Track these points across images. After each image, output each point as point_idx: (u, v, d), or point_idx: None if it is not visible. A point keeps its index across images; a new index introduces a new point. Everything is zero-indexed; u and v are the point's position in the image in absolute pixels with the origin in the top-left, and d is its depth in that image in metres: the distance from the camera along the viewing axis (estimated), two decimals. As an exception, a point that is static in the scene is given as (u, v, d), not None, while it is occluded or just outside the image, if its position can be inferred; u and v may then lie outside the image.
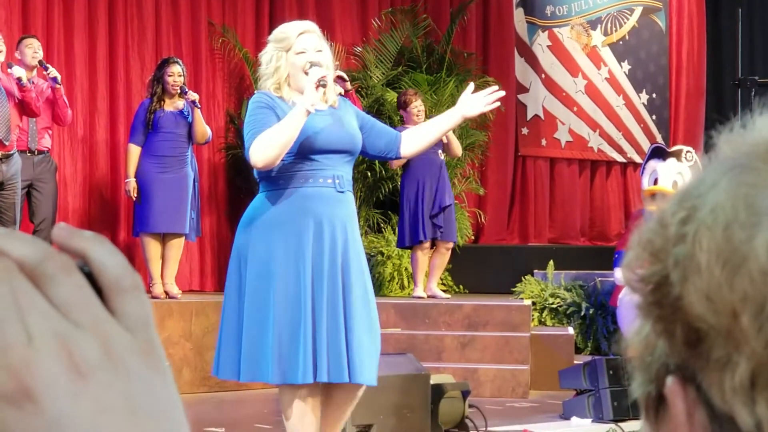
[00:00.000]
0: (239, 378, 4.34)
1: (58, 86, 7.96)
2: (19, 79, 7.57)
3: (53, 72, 7.93)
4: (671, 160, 7.10)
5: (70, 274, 0.52)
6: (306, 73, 4.38)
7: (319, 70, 4.35)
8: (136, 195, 8.35)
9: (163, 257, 8.44)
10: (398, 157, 4.69)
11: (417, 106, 9.15)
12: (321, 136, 4.39)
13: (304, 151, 4.36)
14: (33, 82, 7.92)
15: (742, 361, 0.59)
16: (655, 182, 7.09)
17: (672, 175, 7.02)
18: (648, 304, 0.63)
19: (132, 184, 8.35)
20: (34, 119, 7.91)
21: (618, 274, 7.39)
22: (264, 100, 4.41)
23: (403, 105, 9.22)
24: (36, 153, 8.01)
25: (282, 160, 4.31)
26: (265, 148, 4.23)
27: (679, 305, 0.61)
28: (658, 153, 7.24)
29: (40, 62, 7.93)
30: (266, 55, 4.51)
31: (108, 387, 0.51)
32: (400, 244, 9.27)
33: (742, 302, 0.59)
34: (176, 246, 8.45)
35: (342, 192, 4.40)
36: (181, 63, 8.54)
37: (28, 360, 0.50)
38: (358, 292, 4.33)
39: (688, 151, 7.17)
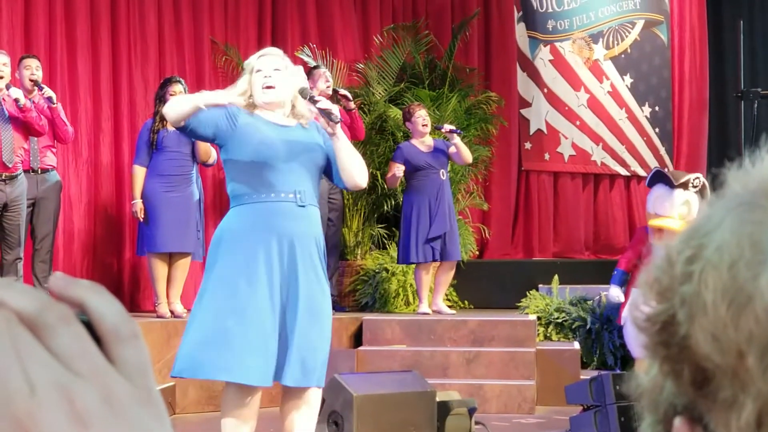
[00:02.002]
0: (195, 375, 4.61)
1: (54, 105, 7.97)
2: (16, 101, 7.60)
3: (48, 92, 7.95)
4: (678, 191, 7.09)
5: (69, 323, 0.52)
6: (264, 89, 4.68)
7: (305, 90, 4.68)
8: (143, 216, 8.36)
9: (169, 277, 8.44)
10: (345, 187, 4.78)
11: (421, 115, 9.18)
12: (276, 147, 4.57)
13: (262, 163, 4.55)
14: (34, 102, 7.93)
15: (748, 401, 0.58)
16: (660, 214, 7.09)
17: (677, 206, 7.01)
18: (655, 344, 0.63)
19: (138, 205, 8.36)
20: (36, 138, 7.93)
21: (613, 292, 7.35)
22: (233, 110, 4.66)
23: (407, 116, 9.27)
24: (39, 172, 8.02)
25: (245, 174, 4.56)
26: (180, 104, 4.59)
27: (685, 345, 0.61)
28: (665, 179, 7.22)
29: (35, 83, 7.95)
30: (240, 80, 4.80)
31: None
32: (399, 261, 9.33)
33: (748, 342, 0.58)
34: (183, 266, 8.45)
35: (303, 206, 4.55)
36: (183, 82, 8.56)
37: (31, 410, 0.50)
38: (303, 305, 4.52)
39: (695, 178, 7.15)
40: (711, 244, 0.61)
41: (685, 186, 7.12)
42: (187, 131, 4.65)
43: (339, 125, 4.58)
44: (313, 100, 4.62)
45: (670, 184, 7.14)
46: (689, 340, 0.61)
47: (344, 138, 4.63)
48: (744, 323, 0.58)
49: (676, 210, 6.97)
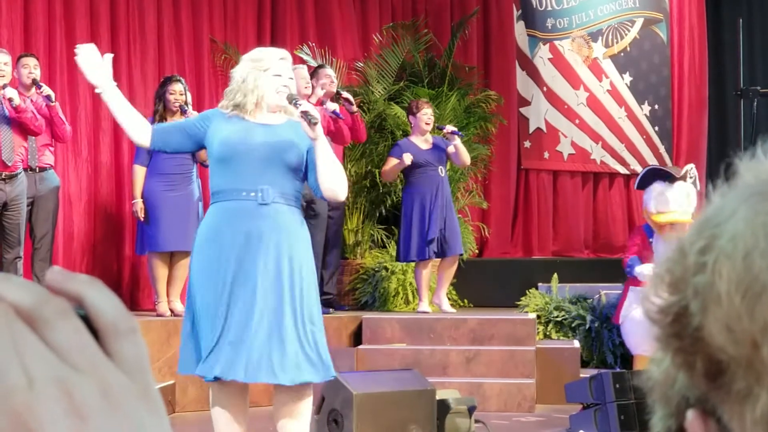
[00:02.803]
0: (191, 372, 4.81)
1: (52, 104, 7.96)
2: (10, 101, 7.59)
3: (46, 90, 7.94)
4: (679, 183, 7.10)
5: (66, 317, 0.52)
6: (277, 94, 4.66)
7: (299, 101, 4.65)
8: (143, 215, 8.35)
9: (170, 276, 8.43)
10: (321, 197, 4.75)
11: (427, 113, 9.18)
12: (236, 147, 4.58)
13: (224, 163, 4.59)
14: (32, 100, 7.93)
15: (763, 393, 0.57)
16: (664, 209, 7.09)
17: (681, 199, 7.01)
18: (667, 336, 0.62)
19: (139, 204, 8.36)
20: (34, 137, 7.92)
21: (644, 269, 7.41)
22: (208, 113, 4.78)
23: (413, 110, 9.25)
24: (37, 170, 8.01)
25: (214, 174, 4.64)
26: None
27: (699, 336, 0.60)
28: (662, 176, 7.21)
29: (33, 81, 7.94)
30: (241, 72, 4.69)
31: (108, 429, 0.51)
32: (398, 259, 9.33)
33: (763, 333, 0.57)
34: (184, 265, 8.43)
35: (265, 204, 4.54)
36: (183, 81, 8.55)
37: (29, 404, 0.50)
38: (265, 304, 4.50)
39: (690, 169, 7.18)
40: (724, 235, 0.60)
41: (684, 178, 7.14)
42: (163, 149, 4.77)
43: (320, 128, 4.54)
44: (296, 104, 4.61)
45: (670, 179, 7.14)
46: (702, 332, 0.60)
47: (324, 142, 4.59)
48: (759, 313, 0.57)
49: (681, 202, 6.98)
